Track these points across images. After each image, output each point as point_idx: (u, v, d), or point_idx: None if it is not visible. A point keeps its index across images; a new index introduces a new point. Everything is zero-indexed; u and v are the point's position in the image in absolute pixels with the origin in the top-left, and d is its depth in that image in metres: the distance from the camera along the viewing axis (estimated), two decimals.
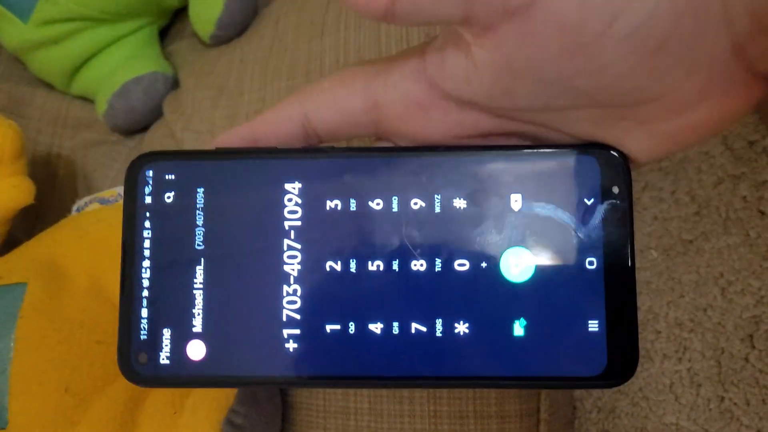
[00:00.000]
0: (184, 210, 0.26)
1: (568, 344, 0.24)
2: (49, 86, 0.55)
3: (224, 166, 0.26)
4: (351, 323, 0.25)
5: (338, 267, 0.25)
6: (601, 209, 0.24)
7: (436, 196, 0.25)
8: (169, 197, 0.26)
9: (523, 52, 0.21)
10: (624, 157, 0.24)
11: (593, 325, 0.24)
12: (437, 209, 0.25)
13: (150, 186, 0.26)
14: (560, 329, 0.24)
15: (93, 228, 0.41)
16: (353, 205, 0.25)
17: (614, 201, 0.24)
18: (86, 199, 0.44)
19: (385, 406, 0.39)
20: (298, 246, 0.26)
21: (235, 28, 0.51)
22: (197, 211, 0.26)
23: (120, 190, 0.44)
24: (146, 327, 0.26)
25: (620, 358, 0.24)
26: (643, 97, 0.21)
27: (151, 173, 0.26)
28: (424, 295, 0.25)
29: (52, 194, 0.51)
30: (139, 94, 0.51)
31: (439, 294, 0.25)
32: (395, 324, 0.25)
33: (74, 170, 0.52)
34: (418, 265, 0.25)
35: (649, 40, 0.19)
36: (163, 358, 0.26)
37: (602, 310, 0.24)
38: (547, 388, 0.29)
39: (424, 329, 0.25)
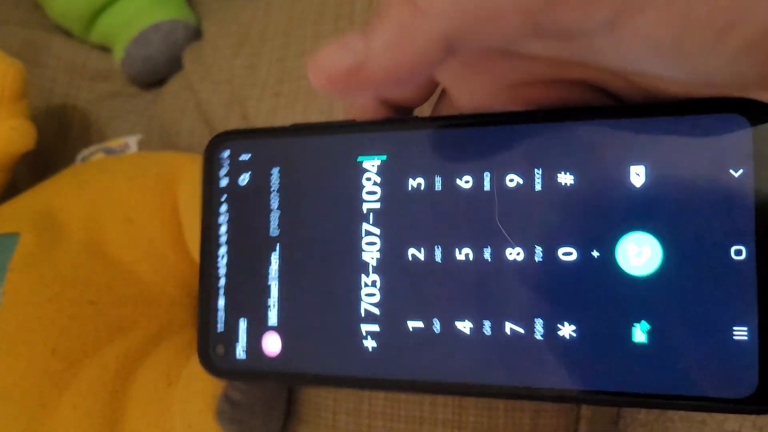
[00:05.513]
0: (259, 193, 0.24)
1: (704, 356, 0.19)
2: (68, 34, 0.52)
3: (298, 143, 0.24)
4: (435, 320, 0.22)
5: (421, 255, 0.22)
6: (753, 182, 0.19)
7: (536, 170, 0.21)
8: (243, 179, 0.24)
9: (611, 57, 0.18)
10: None
11: (740, 333, 0.19)
12: (537, 186, 0.21)
13: (225, 168, 0.24)
14: (694, 336, 0.19)
15: (94, 179, 0.38)
16: (438, 183, 0.22)
17: None
18: (92, 148, 0.41)
19: None
20: (377, 231, 0.23)
21: None
22: (272, 194, 0.24)
23: (128, 139, 0.41)
24: (223, 318, 0.24)
25: None
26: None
27: (226, 154, 0.24)
28: (522, 289, 0.21)
29: (65, 146, 0.48)
30: (157, 42, 0.48)
31: (540, 289, 0.21)
32: (486, 323, 0.21)
33: (89, 122, 0.49)
34: (515, 254, 0.21)
35: None
36: (240, 351, 0.24)
37: (753, 312, 0.19)
38: (676, 409, 0.24)
39: (521, 330, 0.21)
